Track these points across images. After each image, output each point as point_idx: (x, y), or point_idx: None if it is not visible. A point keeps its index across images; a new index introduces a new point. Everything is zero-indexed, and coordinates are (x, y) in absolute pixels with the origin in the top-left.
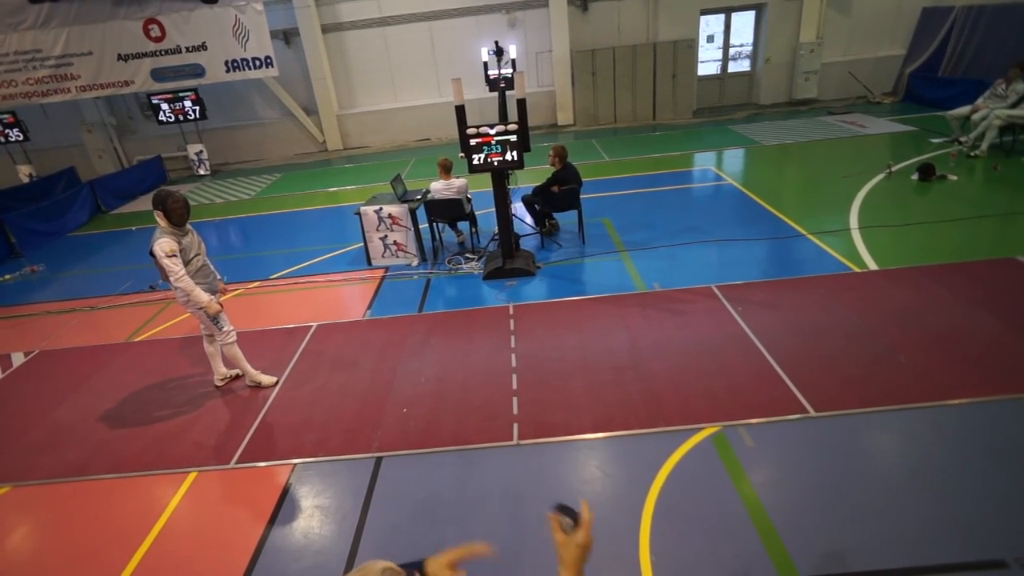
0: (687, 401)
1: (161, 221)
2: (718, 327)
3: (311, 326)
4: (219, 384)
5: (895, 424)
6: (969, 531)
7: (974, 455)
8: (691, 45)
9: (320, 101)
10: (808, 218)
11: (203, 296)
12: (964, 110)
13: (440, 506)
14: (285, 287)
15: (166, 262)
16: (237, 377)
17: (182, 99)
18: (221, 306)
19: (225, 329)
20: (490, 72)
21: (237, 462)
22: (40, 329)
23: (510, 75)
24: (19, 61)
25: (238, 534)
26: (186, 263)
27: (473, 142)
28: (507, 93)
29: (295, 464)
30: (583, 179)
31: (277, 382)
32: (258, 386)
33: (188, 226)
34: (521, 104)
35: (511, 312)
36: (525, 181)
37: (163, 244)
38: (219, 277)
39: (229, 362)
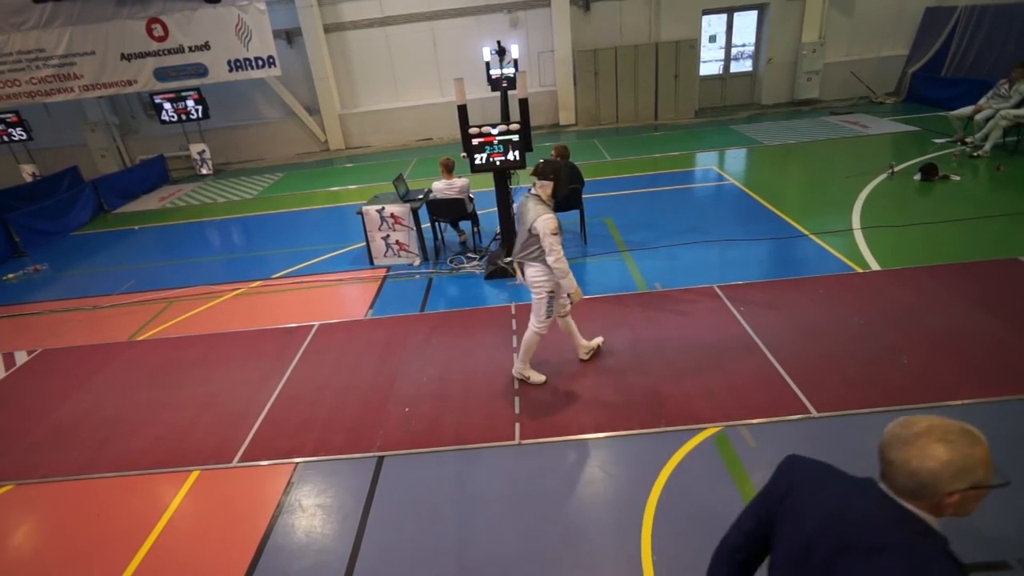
0: (689, 401)
1: (544, 193)
2: (720, 327)
3: (313, 325)
4: (584, 358)
5: None
6: (971, 532)
7: None
8: (693, 45)
9: (322, 101)
10: (810, 218)
11: (573, 281)
12: (967, 110)
13: (442, 505)
14: (287, 286)
15: (550, 240)
16: (596, 350)
17: (185, 99)
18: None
19: (548, 320)
20: (492, 72)
21: (239, 461)
22: (43, 328)
23: (512, 75)
24: (22, 60)
25: (240, 533)
26: None
27: (475, 142)
28: (509, 93)
29: (297, 463)
30: (585, 179)
31: (545, 381)
32: (525, 380)
33: None
34: (523, 104)
35: (513, 312)
36: (527, 181)
37: (549, 221)
38: None
39: (580, 336)
